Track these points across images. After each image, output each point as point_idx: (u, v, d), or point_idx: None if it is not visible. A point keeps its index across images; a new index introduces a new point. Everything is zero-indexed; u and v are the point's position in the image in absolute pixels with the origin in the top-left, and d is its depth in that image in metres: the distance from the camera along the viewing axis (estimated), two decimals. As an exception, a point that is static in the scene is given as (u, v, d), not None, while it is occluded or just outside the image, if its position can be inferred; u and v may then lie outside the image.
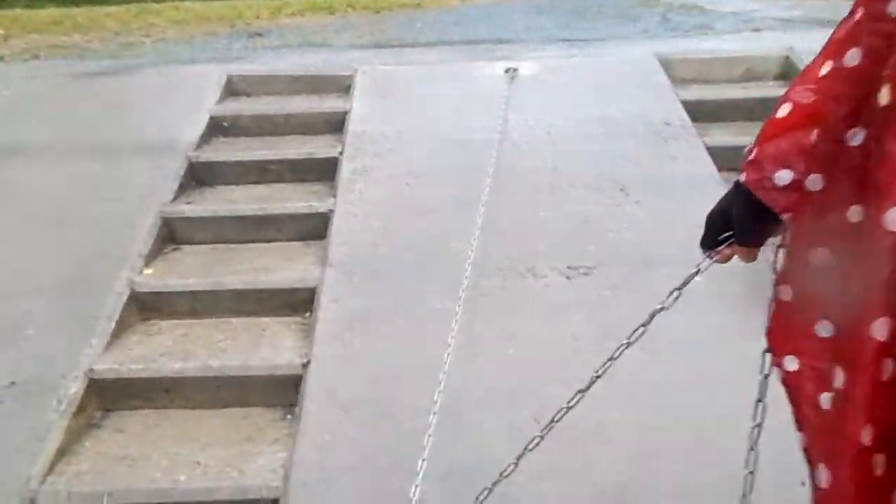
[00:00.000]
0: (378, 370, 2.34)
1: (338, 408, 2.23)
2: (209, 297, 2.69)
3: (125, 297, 2.63)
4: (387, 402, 2.23)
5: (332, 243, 2.85)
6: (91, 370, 2.36)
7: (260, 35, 5.80)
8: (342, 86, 3.94)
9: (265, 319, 2.67)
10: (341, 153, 3.33)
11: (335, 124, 3.61)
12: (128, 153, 3.45)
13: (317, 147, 3.47)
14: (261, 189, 3.30)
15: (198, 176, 3.33)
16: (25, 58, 5.01)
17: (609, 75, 3.94)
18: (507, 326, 2.48)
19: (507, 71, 3.86)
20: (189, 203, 3.14)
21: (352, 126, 3.53)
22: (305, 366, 2.38)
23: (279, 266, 2.86)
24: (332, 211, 3.00)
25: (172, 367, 2.41)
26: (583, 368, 2.36)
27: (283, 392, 2.39)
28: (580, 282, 2.66)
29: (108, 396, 2.38)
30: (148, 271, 2.79)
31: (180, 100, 3.84)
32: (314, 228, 3.00)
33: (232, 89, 3.95)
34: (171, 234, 3.02)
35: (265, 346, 2.53)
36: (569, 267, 2.71)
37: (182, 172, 3.26)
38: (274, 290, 2.71)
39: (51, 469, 2.11)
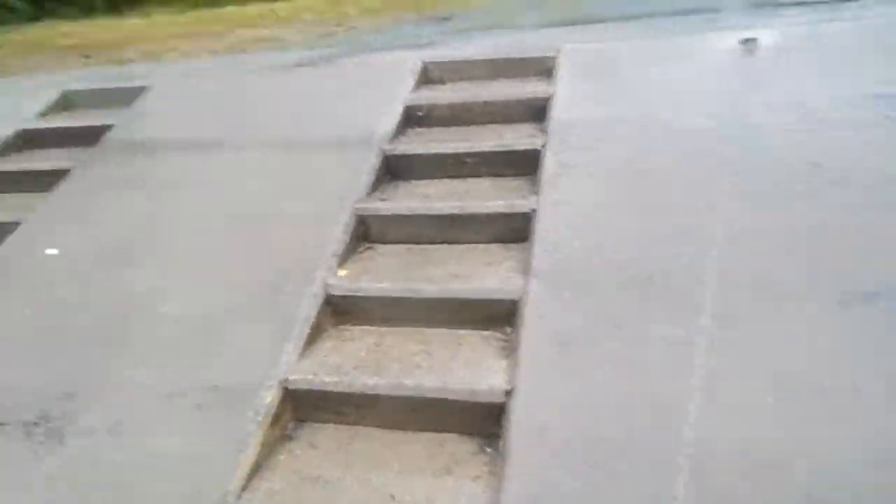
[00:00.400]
0: (598, 409, 1.96)
1: (550, 452, 1.88)
2: (403, 305, 2.49)
3: (320, 300, 2.51)
4: (612, 453, 1.84)
5: (536, 249, 2.50)
6: (286, 380, 2.25)
7: (448, 19, 5.60)
8: (543, 68, 3.56)
9: (461, 332, 2.42)
10: (544, 145, 2.96)
11: (536, 112, 3.24)
12: (323, 145, 3.37)
13: (516, 137, 3.12)
14: (456, 184, 3.03)
15: (392, 169, 3.15)
16: (236, 51, 5.26)
17: (882, 41, 3.14)
18: (762, 366, 1.97)
19: (743, 42, 3.22)
20: (384, 199, 2.96)
21: (555, 113, 3.14)
22: (509, 393, 2.07)
23: (477, 272, 2.57)
24: (534, 211, 2.66)
25: (366, 382, 2.22)
26: (869, 428, 1.82)
27: (483, 420, 2.11)
28: (859, 312, 2.06)
29: (301, 408, 2.27)
30: (342, 272, 2.65)
31: (375, 89, 3.70)
32: (514, 230, 2.68)
33: (427, 77, 3.74)
34: (365, 233, 2.86)
35: (462, 365, 2.26)
36: (843, 291, 2.12)
37: (376, 166, 3.09)
38: (471, 300, 2.43)
39: (246, 484, 2.02)
